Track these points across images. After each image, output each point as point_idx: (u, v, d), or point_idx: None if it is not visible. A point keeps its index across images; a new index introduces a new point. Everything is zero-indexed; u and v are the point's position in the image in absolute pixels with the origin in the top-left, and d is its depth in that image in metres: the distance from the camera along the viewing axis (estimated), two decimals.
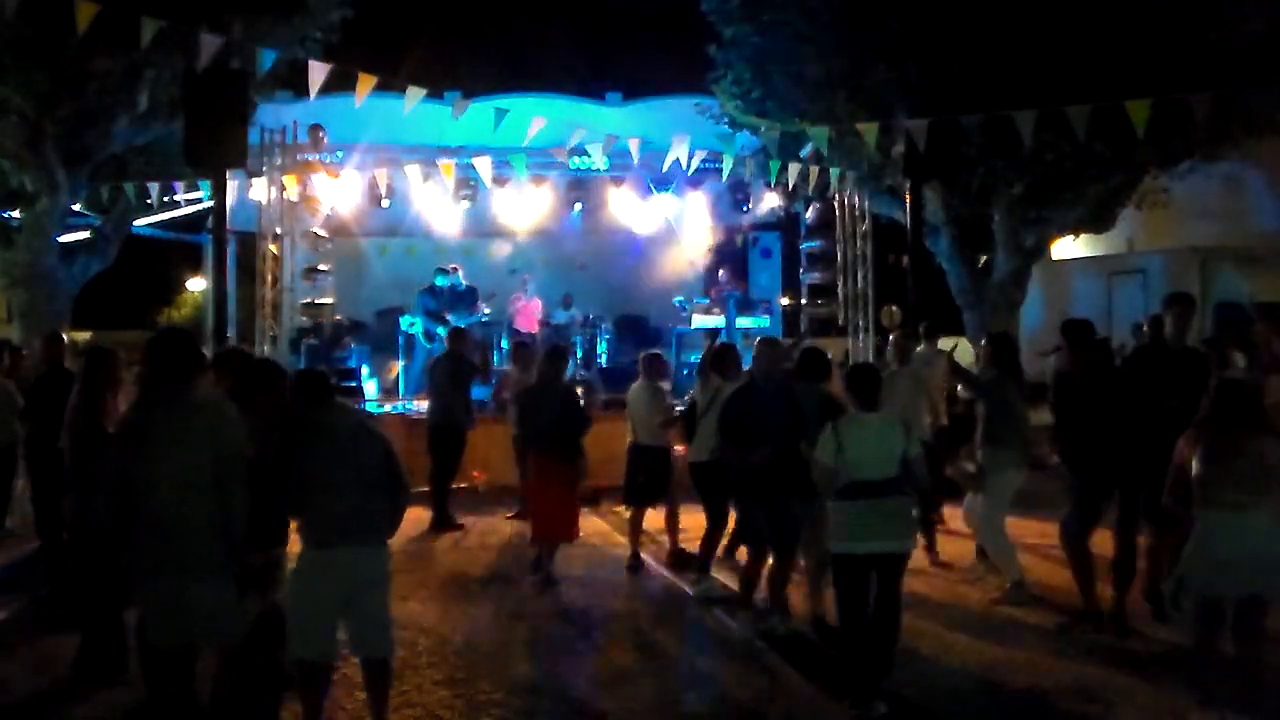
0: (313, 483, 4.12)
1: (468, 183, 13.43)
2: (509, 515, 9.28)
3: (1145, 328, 11.19)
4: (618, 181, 14.14)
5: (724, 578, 6.83)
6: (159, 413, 3.99)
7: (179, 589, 3.86)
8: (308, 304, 13.04)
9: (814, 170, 12.03)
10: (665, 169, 12.36)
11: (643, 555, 7.68)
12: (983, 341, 7.41)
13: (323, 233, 13.76)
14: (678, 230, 15.44)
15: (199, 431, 3.92)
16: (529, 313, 14.49)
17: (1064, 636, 5.69)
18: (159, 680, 4.34)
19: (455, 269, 13.75)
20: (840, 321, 13.83)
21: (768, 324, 13.96)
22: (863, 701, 4.59)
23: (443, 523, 9.00)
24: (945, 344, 9.45)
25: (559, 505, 6.96)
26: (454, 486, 9.45)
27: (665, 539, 7.77)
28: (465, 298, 13.62)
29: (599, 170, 13.59)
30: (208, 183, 10.84)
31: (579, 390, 9.10)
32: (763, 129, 11.61)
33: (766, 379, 6.04)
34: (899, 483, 4.69)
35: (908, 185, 10.71)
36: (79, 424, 5.18)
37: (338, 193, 13.17)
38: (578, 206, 14.75)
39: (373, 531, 4.22)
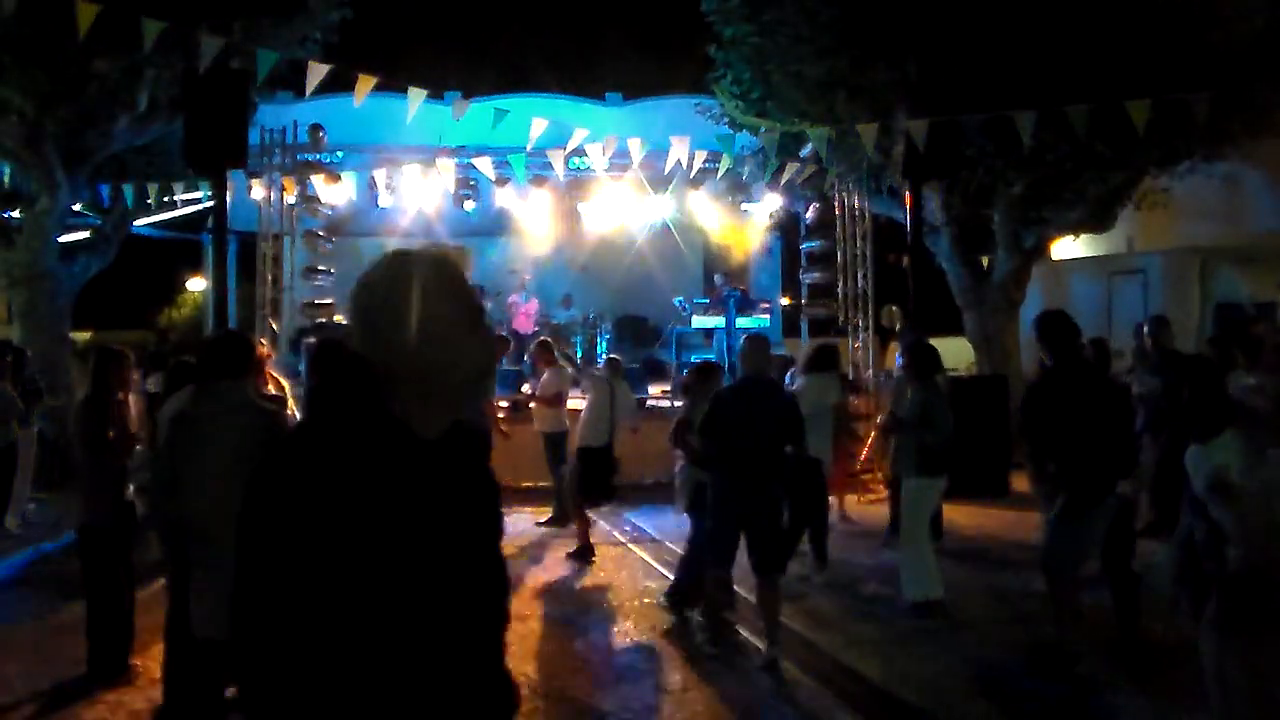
0: None
1: (468, 183, 13.42)
2: (539, 522, 9.25)
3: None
4: (617, 182, 14.11)
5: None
6: (211, 407, 3.98)
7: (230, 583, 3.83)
8: (308, 304, 13.03)
9: (813, 170, 12.02)
10: (666, 170, 12.35)
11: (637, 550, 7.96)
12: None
13: (322, 233, 13.75)
14: (677, 230, 15.43)
15: (251, 428, 3.91)
16: (528, 313, 14.48)
17: None
18: (188, 679, 4.31)
19: None
20: (840, 321, 13.82)
21: (768, 324, 13.94)
22: None
23: None
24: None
25: None
26: None
27: (663, 537, 7.75)
28: None
29: (599, 171, 13.59)
30: (207, 183, 10.84)
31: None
32: (762, 129, 11.60)
33: (758, 376, 5.63)
34: None
35: (907, 185, 10.70)
36: (89, 424, 5.16)
37: (337, 192, 13.17)
38: (581, 208, 14.73)
39: None
